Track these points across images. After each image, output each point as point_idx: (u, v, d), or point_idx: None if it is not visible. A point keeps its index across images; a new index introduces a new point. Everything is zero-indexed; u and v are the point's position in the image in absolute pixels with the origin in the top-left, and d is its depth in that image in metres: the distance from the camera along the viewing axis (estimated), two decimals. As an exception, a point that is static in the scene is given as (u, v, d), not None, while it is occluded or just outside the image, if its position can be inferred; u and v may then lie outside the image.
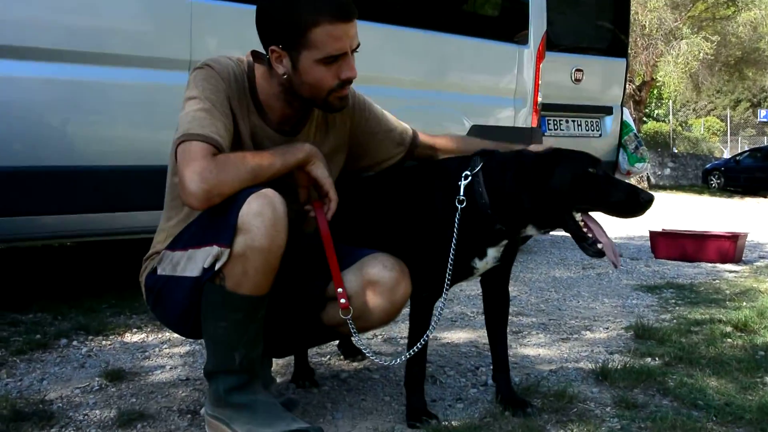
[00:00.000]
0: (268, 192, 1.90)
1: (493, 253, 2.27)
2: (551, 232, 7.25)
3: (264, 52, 2.13)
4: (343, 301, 2.07)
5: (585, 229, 2.11)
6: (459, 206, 2.17)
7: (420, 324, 2.26)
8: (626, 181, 2.14)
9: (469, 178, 2.19)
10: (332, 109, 2.16)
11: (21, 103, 3.26)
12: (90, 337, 3.16)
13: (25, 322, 3.34)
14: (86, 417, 2.23)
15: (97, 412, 2.28)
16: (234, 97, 2.07)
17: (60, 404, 2.34)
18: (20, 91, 3.26)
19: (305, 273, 2.15)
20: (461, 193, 2.17)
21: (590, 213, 2.13)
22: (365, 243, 2.26)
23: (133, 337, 3.21)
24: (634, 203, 2.05)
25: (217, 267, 1.91)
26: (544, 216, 2.15)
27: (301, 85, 2.06)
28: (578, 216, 2.11)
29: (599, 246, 2.09)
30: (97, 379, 2.60)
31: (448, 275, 2.17)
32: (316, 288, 2.15)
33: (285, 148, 2.05)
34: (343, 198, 2.13)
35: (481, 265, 2.28)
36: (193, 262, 1.98)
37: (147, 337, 3.23)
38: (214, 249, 1.90)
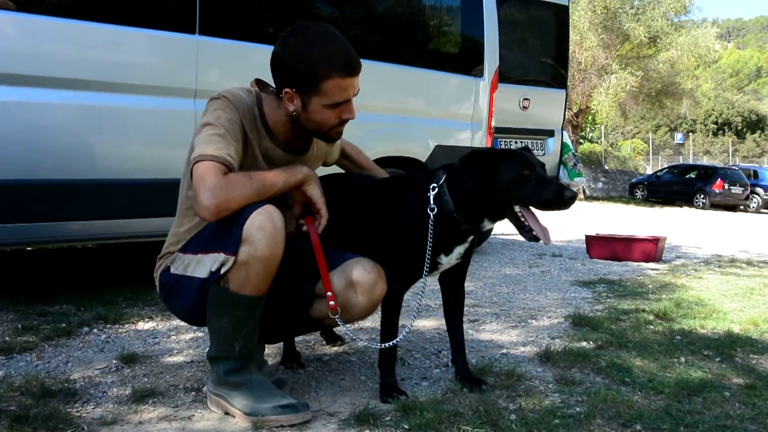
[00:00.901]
0: (269, 208, 1.90)
1: (459, 250, 2.29)
2: (502, 237, 7.19)
3: (267, 81, 2.15)
4: (332, 303, 2.07)
5: (522, 219, 2.16)
6: (431, 213, 2.19)
7: (391, 312, 2.26)
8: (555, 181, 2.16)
9: (436, 189, 2.21)
10: (330, 140, 2.19)
11: (51, 126, 3.24)
12: (108, 326, 3.11)
13: (52, 313, 3.28)
14: (105, 394, 2.21)
15: (114, 389, 2.25)
16: (248, 126, 2.06)
17: (82, 383, 2.30)
18: (49, 115, 3.24)
19: (297, 274, 2.14)
20: (431, 203, 2.19)
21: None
22: (349, 245, 2.26)
23: (145, 326, 3.16)
24: (559, 200, 2.10)
25: (222, 271, 1.91)
26: (494, 210, 2.20)
27: (307, 122, 2.07)
28: (518, 209, 2.16)
29: (534, 232, 2.14)
30: (114, 361, 2.56)
31: (425, 271, 2.20)
32: (307, 287, 2.14)
33: (286, 170, 2.04)
34: (331, 207, 2.13)
35: (446, 260, 2.29)
36: (201, 265, 1.98)
37: (157, 325, 3.18)
38: (221, 256, 1.91)
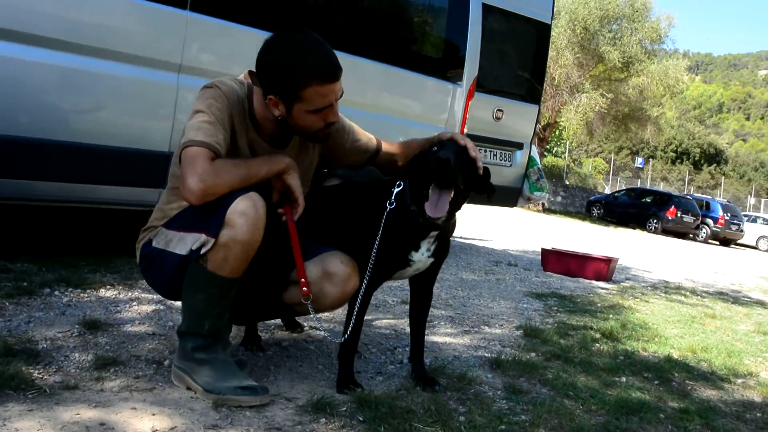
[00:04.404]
0: (253, 195, 1.96)
1: (425, 245, 2.33)
2: (460, 240, 7.22)
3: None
4: (305, 289, 2.13)
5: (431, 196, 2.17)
6: (388, 207, 2.27)
7: (359, 308, 2.31)
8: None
9: (401, 186, 2.30)
10: (318, 141, 2.23)
11: (30, 83, 3.22)
12: (70, 289, 3.10)
13: (13, 270, 3.25)
14: (67, 358, 2.21)
15: (76, 355, 2.25)
16: (236, 116, 2.10)
17: (45, 345, 2.30)
18: (31, 73, 3.23)
19: (276, 259, 2.19)
20: (392, 198, 2.27)
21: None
22: (326, 241, 2.32)
23: (107, 293, 3.16)
24: (431, 176, 2.14)
25: (202, 251, 1.96)
26: (420, 194, 2.22)
27: (294, 125, 2.12)
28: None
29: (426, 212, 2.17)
30: (76, 326, 2.56)
31: (373, 262, 2.25)
32: (284, 272, 2.20)
33: (269, 158, 2.09)
34: (311, 206, 2.18)
35: (417, 257, 2.34)
36: (182, 243, 2.02)
37: (119, 294, 3.18)
38: (202, 237, 1.96)
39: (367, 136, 2.49)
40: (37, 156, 3.30)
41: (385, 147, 2.51)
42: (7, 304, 2.73)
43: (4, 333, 2.36)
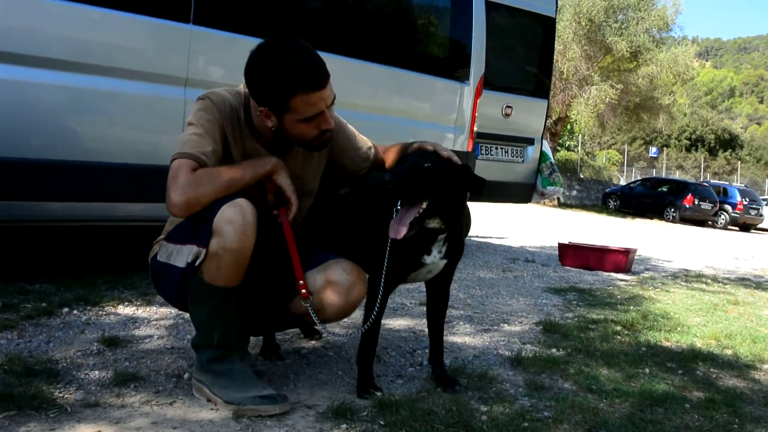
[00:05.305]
0: (240, 201, 1.95)
1: (436, 248, 2.31)
2: (477, 239, 7.18)
3: None
4: (303, 291, 2.11)
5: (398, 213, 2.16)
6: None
7: (375, 310, 2.29)
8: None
9: None
10: (316, 149, 2.20)
11: (40, 105, 3.24)
12: (89, 307, 3.12)
13: (32, 291, 3.28)
14: (87, 376, 2.22)
15: (96, 372, 2.26)
16: (228, 126, 2.09)
17: (65, 364, 2.32)
18: (40, 95, 3.24)
19: (278, 269, 2.17)
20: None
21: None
22: (339, 247, 2.31)
23: (125, 310, 3.18)
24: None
25: (197, 263, 1.96)
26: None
27: (288, 135, 2.10)
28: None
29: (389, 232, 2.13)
30: (95, 344, 2.58)
31: (390, 268, 2.22)
32: (287, 282, 2.17)
33: (254, 161, 2.08)
34: (320, 214, 2.19)
35: (430, 259, 2.32)
36: (180, 255, 2.03)
37: (137, 310, 3.20)
38: (194, 248, 1.97)
39: (367, 144, 2.45)
40: (51, 177, 3.32)
41: (380, 156, 2.47)
42: (26, 325, 2.75)
43: (25, 354, 2.37)
